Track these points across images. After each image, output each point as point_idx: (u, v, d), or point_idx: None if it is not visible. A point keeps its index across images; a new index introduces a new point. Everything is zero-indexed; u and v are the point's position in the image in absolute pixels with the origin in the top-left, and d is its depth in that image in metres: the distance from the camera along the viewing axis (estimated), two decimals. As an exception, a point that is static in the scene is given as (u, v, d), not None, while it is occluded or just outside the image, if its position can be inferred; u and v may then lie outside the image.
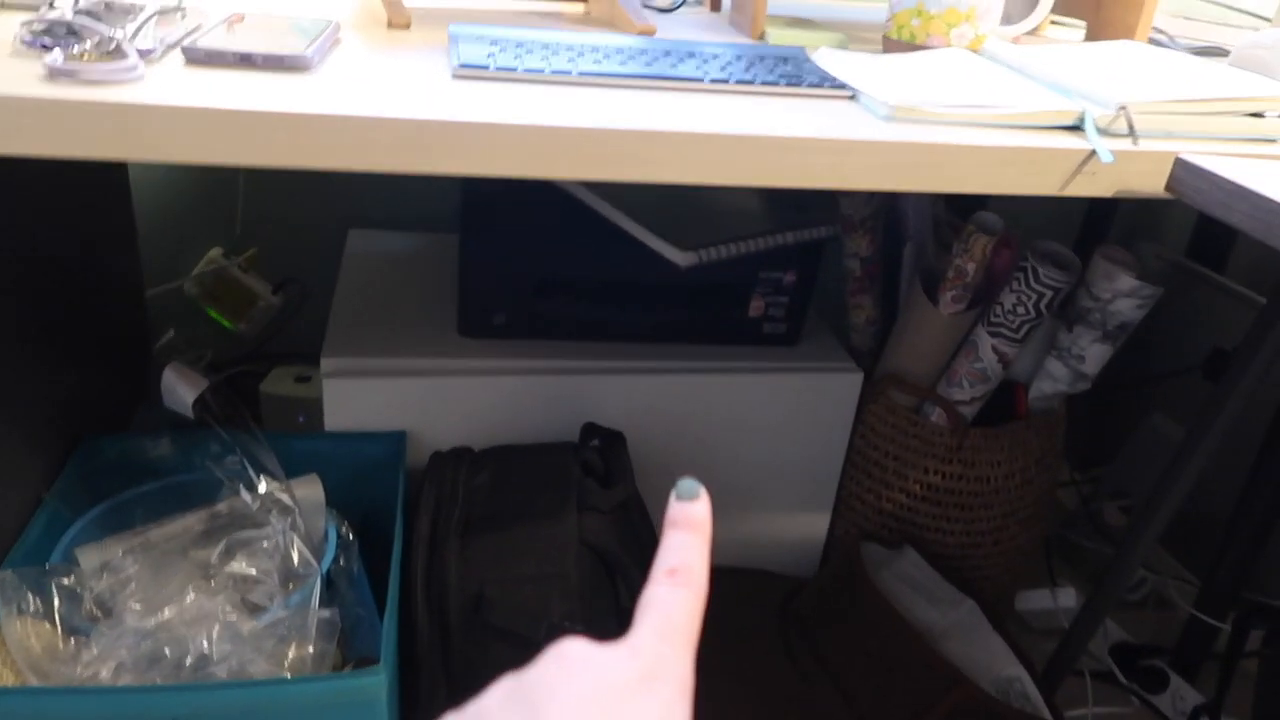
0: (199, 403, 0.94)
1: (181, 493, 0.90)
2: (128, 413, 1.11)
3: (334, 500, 0.92)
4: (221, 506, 0.86)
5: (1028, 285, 0.99)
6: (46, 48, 0.59)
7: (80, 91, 0.54)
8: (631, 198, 1.02)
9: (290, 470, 0.92)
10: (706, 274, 1.03)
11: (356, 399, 1.01)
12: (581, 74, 0.67)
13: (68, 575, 0.78)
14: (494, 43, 0.71)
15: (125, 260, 1.21)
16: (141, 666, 0.71)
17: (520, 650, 0.85)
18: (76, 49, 0.58)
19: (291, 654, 0.76)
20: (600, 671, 0.29)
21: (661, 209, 1.03)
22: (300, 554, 0.81)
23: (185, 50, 0.62)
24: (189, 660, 0.71)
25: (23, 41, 0.60)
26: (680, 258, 0.97)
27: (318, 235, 1.35)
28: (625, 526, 0.90)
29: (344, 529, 0.91)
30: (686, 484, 0.35)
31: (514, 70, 0.66)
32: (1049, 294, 0.99)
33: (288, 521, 0.83)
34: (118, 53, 0.59)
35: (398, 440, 1.00)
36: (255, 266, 1.37)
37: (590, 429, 0.98)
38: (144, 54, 0.60)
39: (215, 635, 0.71)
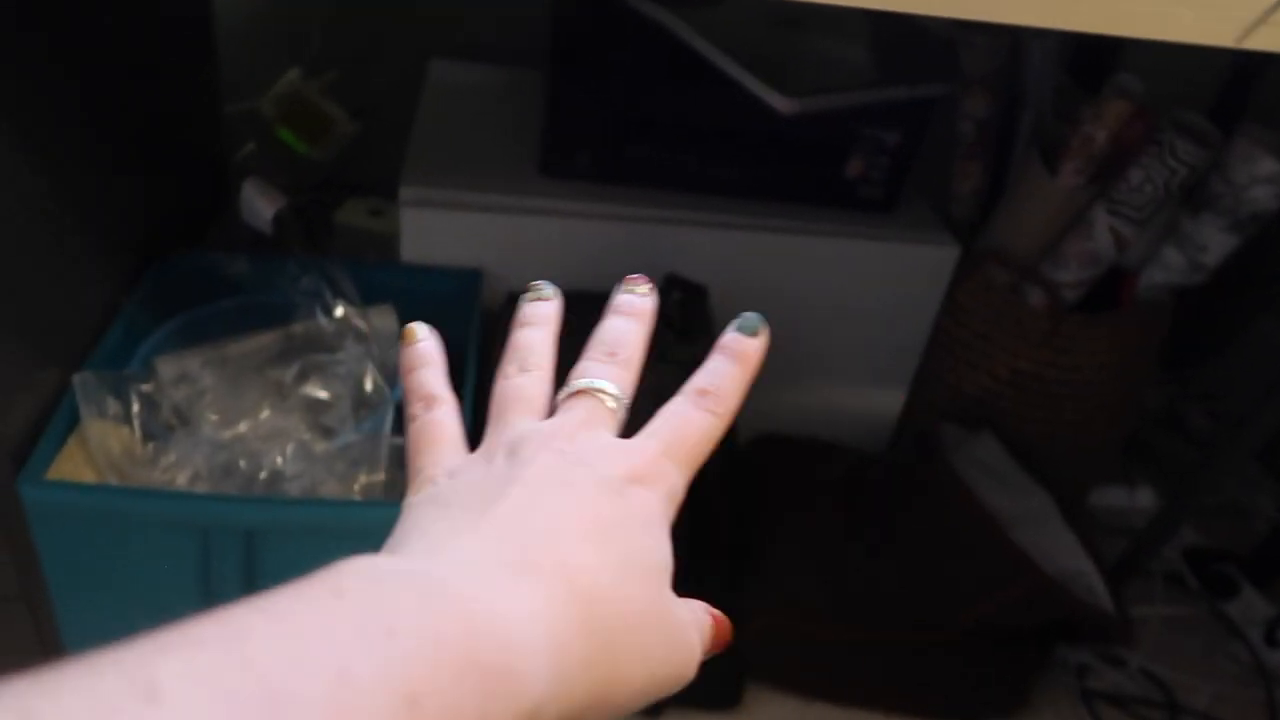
0: (277, 220, 0.92)
1: (258, 311, 0.89)
2: (205, 228, 1.10)
3: (407, 332, 0.91)
4: (297, 328, 0.85)
5: (1161, 161, 0.90)
6: None
7: None
8: (731, 35, 0.95)
9: (364, 298, 0.90)
10: (804, 127, 0.96)
11: (433, 231, 0.98)
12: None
13: (146, 382, 0.78)
14: None
15: (205, 75, 1.18)
16: (216, 476, 0.71)
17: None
18: None
19: (362, 479, 0.76)
20: (592, 460, 0.29)
21: (762, 50, 0.96)
22: (374, 381, 0.80)
23: None
24: (263, 475, 0.71)
25: None
26: (782, 103, 0.90)
27: (398, 64, 1.30)
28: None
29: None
30: (750, 318, 0.34)
31: None
32: (1183, 172, 0.90)
33: (362, 349, 0.82)
34: None
35: (473, 277, 0.98)
36: (333, 91, 1.32)
37: (672, 280, 0.94)
38: None
39: (289, 453, 0.71)
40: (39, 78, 0.70)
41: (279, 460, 0.71)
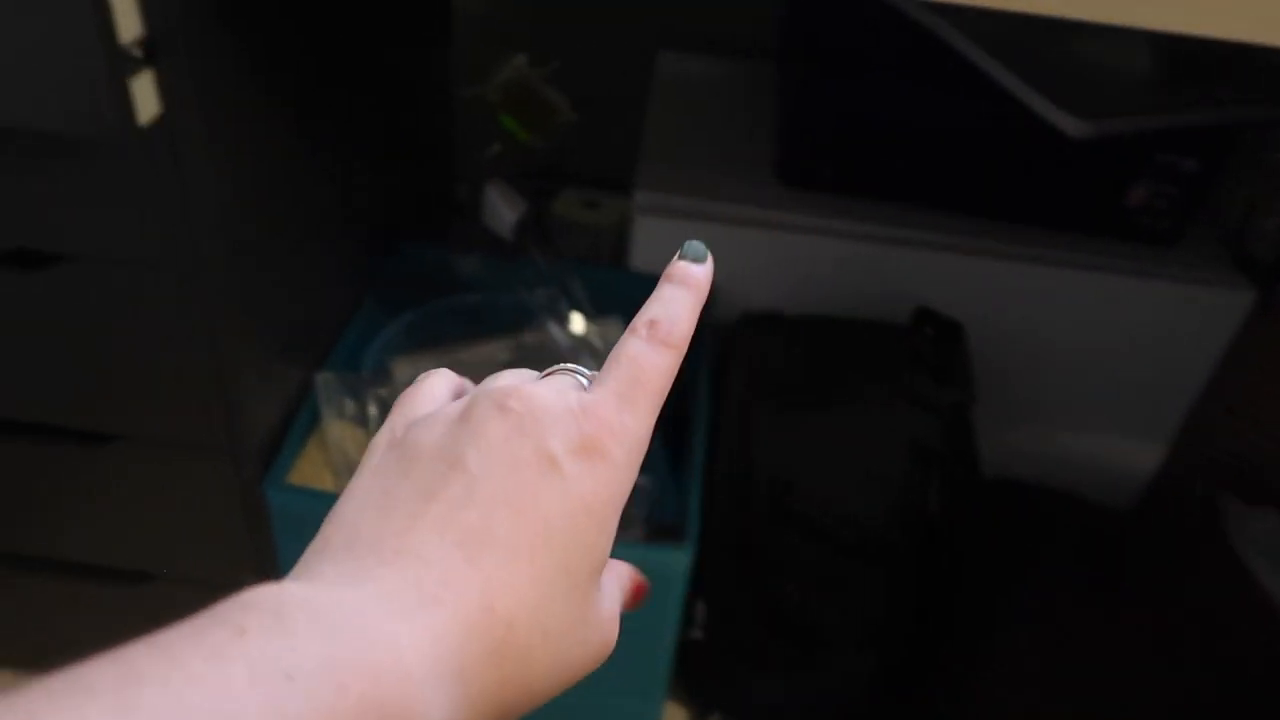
0: (520, 226, 0.89)
1: (490, 313, 0.87)
2: (434, 215, 1.09)
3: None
4: (529, 337, 0.82)
5: None
6: None
7: None
8: (1005, 39, 0.84)
9: (590, 303, 0.86)
10: (1085, 148, 0.85)
11: (666, 239, 0.93)
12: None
13: (383, 386, 0.77)
14: None
15: (440, 62, 1.17)
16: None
17: (822, 548, 0.77)
18: None
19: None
20: (543, 428, 0.27)
21: (1042, 58, 0.85)
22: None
23: None
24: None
25: None
26: (1073, 126, 0.80)
27: (624, 54, 1.26)
28: (957, 430, 0.79)
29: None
30: (694, 245, 0.33)
31: None
32: None
33: (598, 364, 0.78)
34: None
35: (704, 292, 0.92)
36: (556, 79, 1.30)
37: (924, 314, 0.86)
38: None
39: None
40: (290, 74, 0.69)
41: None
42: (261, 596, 0.23)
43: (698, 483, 0.72)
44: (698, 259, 0.32)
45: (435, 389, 0.32)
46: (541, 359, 0.82)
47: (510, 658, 0.25)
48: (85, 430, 0.68)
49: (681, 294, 0.31)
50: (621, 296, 0.91)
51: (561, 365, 0.32)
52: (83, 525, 0.75)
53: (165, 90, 0.53)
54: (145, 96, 0.52)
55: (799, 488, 0.75)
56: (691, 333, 0.31)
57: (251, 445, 0.69)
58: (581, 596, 0.27)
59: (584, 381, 0.31)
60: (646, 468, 0.76)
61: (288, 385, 0.75)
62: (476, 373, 0.83)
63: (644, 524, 0.72)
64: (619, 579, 0.31)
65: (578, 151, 1.33)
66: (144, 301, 0.61)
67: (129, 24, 0.49)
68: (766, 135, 1.05)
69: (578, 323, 0.80)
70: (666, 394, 0.30)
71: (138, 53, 0.51)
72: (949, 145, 0.91)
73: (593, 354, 0.79)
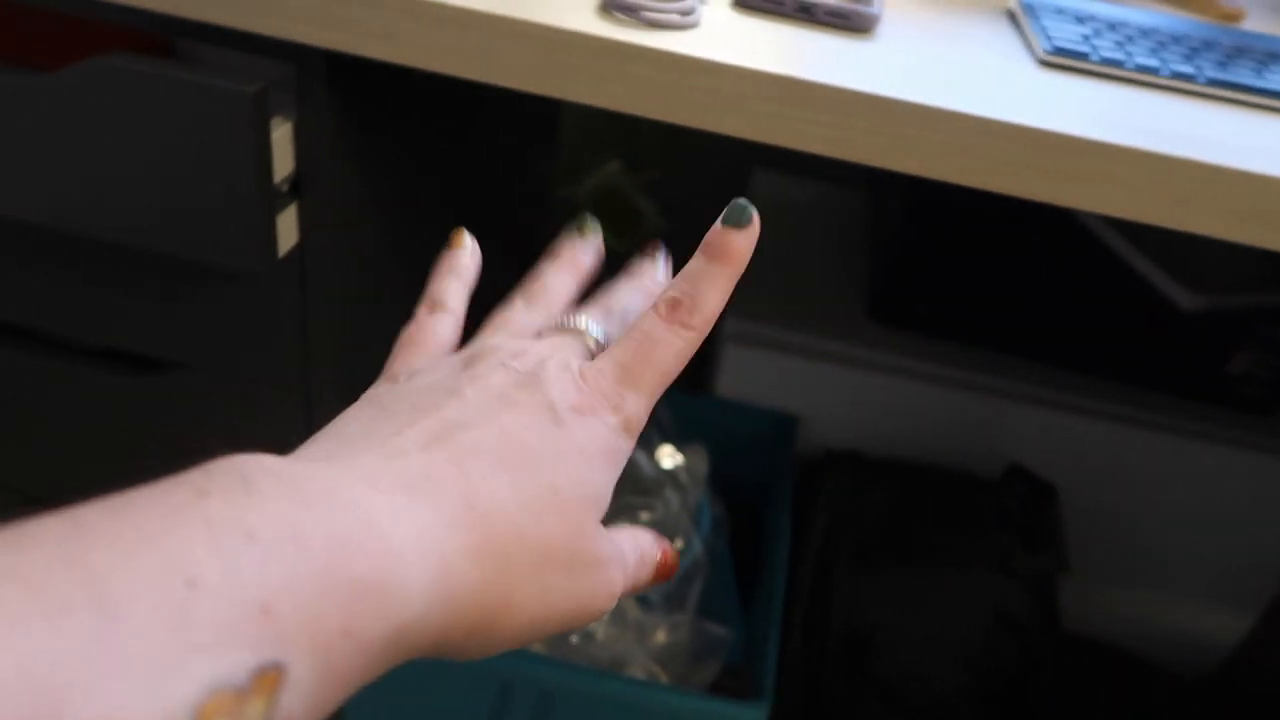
0: None
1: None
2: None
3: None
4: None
5: None
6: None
7: (636, 34, 0.46)
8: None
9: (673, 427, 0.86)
10: (1193, 317, 0.84)
11: (753, 369, 0.93)
12: (1211, 80, 0.51)
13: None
14: (1080, 20, 0.56)
15: (539, 169, 1.19)
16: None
17: (896, 709, 0.75)
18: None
19: (665, 641, 0.71)
20: (544, 383, 0.27)
21: (1156, 229, 0.85)
22: (688, 539, 0.75)
23: (736, -10, 0.53)
24: (574, 636, 0.67)
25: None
26: (1187, 299, 0.79)
27: (720, 168, 1.28)
28: (1043, 598, 0.77)
29: (719, 509, 0.85)
30: (740, 205, 0.30)
31: (1120, 64, 0.51)
32: None
33: (680, 500, 0.77)
34: (673, -11, 0.50)
35: (788, 423, 0.91)
36: (651, 188, 1.32)
37: (1015, 473, 0.84)
38: (693, -10, 0.51)
39: (606, 617, 0.67)
40: (408, 198, 0.70)
41: (595, 624, 0.67)
42: (229, 462, 0.21)
43: (775, 635, 0.71)
44: (740, 224, 0.30)
45: (440, 331, 0.32)
46: (623, 484, 0.81)
47: (489, 558, 0.24)
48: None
49: (714, 270, 0.29)
50: (705, 423, 0.91)
51: (570, 324, 0.31)
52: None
53: (303, 223, 0.55)
54: (287, 230, 0.53)
55: (876, 645, 0.73)
56: (718, 313, 0.30)
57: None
58: (573, 524, 0.26)
59: (591, 348, 0.31)
60: (722, 616, 0.75)
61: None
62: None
63: (718, 673, 0.71)
64: (637, 541, 0.30)
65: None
66: (250, 415, 0.62)
67: (283, 164, 0.51)
68: (859, 267, 1.05)
69: (666, 455, 0.79)
70: (675, 376, 0.29)
71: (285, 189, 0.53)
72: (1051, 300, 0.90)
73: (676, 487, 0.78)
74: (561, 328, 0.31)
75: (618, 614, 0.69)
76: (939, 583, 0.75)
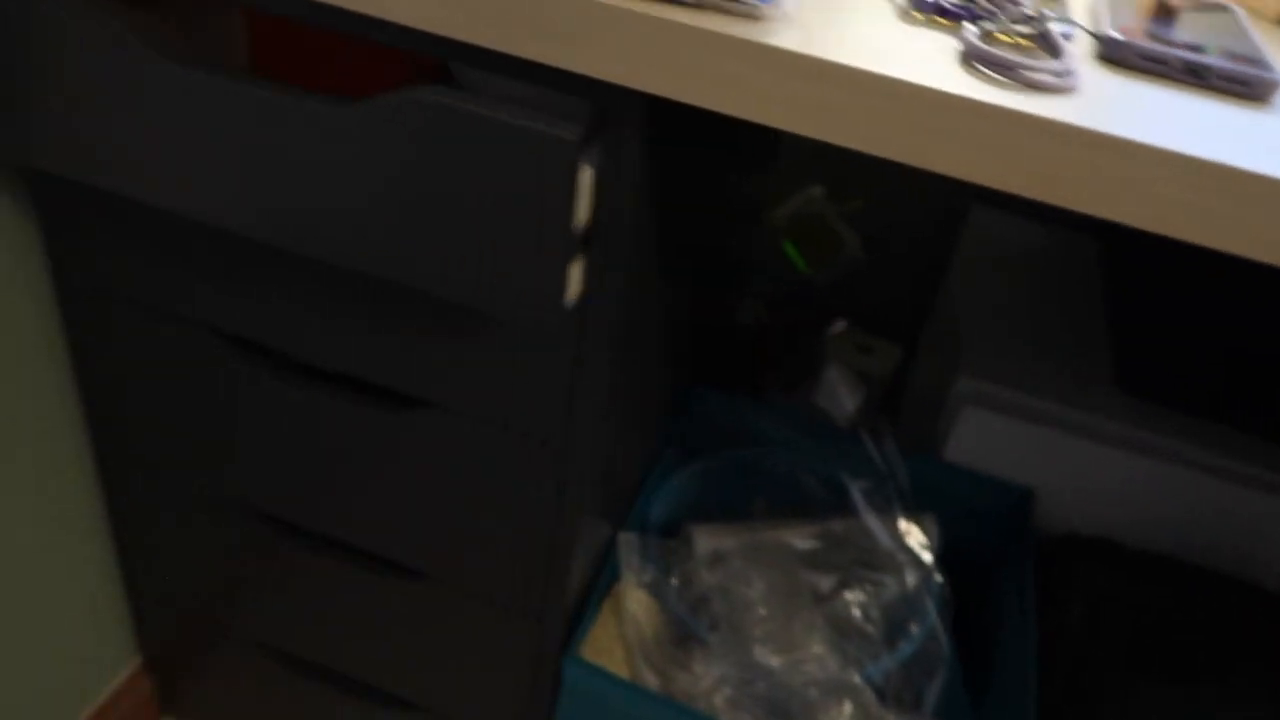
0: (858, 414, 0.84)
1: (789, 476, 0.81)
2: (726, 357, 1.06)
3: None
4: (837, 525, 0.76)
5: None
6: (949, 13, 0.46)
7: (1007, 95, 0.40)
8: None
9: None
10: None
11: (990, 434, 0.85)
12: None
13: (686, 559, 0.72)
14: None
15: (753, 193, 1.14)
16: (757, 712, 0.63)
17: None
18: (991, 25, 0.44)
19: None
20: None
21: None
22: (925, 624, 0.69)
23: (1105, 43, 0.46)
24: (807, 729, 0.62)
25: (909, -3, 0.48)
26: None
27: (934, 201, 1.20)
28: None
29: (946, 587, 0.78)
30: None
31: None
32: None
33: (917, 576, 0.71)
34: (1042, 42, 0.44)
35: (1024, 497, 0.83)
36: (853, 217, 1.25)
37: (1300, 583, 0.74)
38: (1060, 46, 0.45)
39: (847, 716, 0.61)
40: (668, 241, 0.66)
41: None
42: None
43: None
44: None
45: None
46: (848, 552, 0.75)
47: None
48: (398, 561, 0.67)
49: None
50: (932, 489, 0.84)
51: None
52: (365, 643, 0.73)
53: (590, 272, 0.51)
54: (574, 280, 0.49)
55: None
56: None
57: (559, 612, 0.65)
58: None
59: None
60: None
61: (597, 544, 0.72)
62: (776, 558, 0.76)
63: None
64: None
65: (857, 290, 1.28)
66: (500, 459, 0.59)
67: (581, 215, 0.47)
68: (1097, 324, 0.96)
69: (904, 524, 0.73)
70: None
71: (579, 240, 0.49)
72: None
73: (912, 562, 0.72)
74: None
75: (862, 710, 0.63)
76: (1224, 708, 0.66)
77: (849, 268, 1.25)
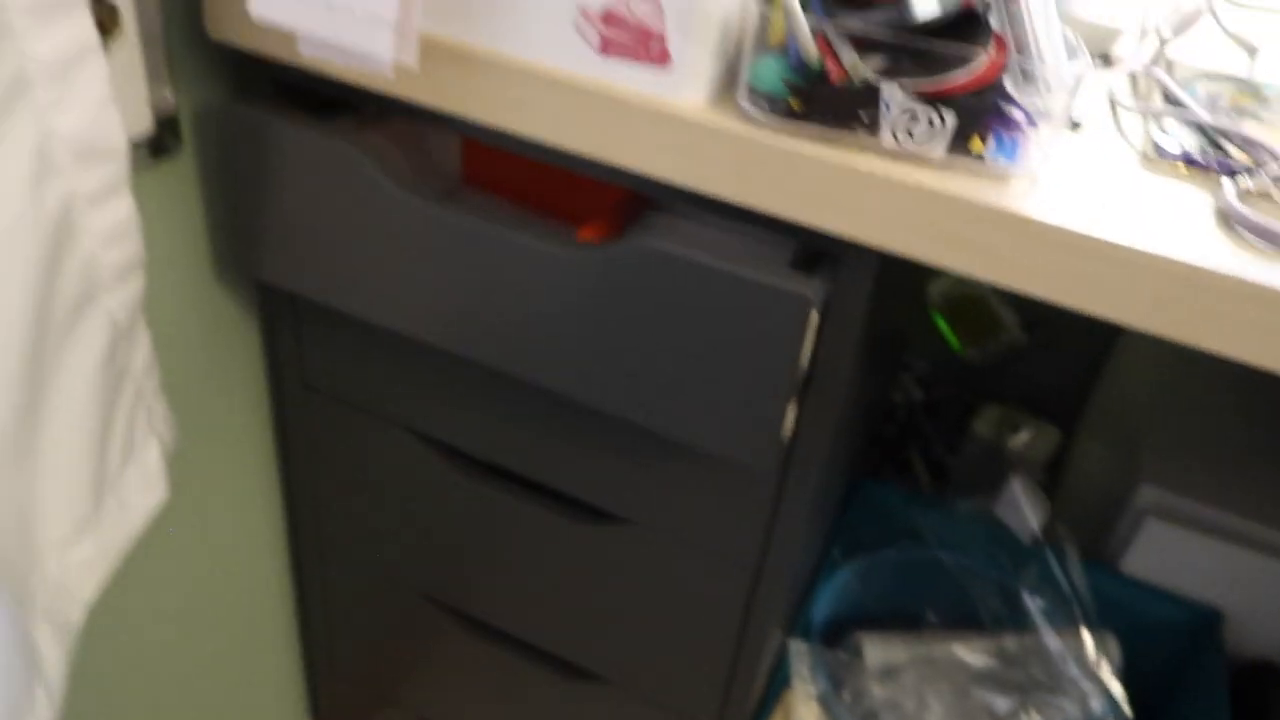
0: (1043, 532, 0.81)
1: (956, 578, 0.79)
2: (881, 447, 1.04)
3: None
4: (1011, 642, 0.74)
5: None
6: (1194, 163, 0.45)
7: (1266, 270, 0.39)
8: None
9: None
10: None
11: (1173, 549, 0.81)
12: None
13: (856, 671, 0.71)
14: None
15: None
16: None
17: None
18: (1249, 182, 0.43)
19: None
20: None
21: None
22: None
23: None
24: None
25: (1154, 143, 0.46)
26: None
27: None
28: None
29: (1126, 712, 0.74)
30: None
31: None
32: None
33: (1101, 702, 0.68)
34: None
35: (1211, 619, 0.79)
36: (1014, 299, 1.21)
37: None
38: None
39: None
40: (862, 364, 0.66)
41: None
42: None
43: None
44: None
45: None
46: (1025, 670, 0.73)
47: None
48: (577, 663, 0.68)
49: None
50: (1109, 603, 0.80)
51: None
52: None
53: (803, 415, 0.51)
54: (789, 420, 0.49)
55: None
56: None
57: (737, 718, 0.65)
58: None
59: None
60: None
61: (773, 650, 0.72)
62: (949, 674, 0.74)
63: None
64: None
65: (1010, 369, 1.24)
66: (691, 576, 0.59)
67: (804, 360, 0.47)
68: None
69: (1087, 643, 0.70)
70: None
71: (800, 383, 0.49)
72: None
73: (1092, 683, 0.69)
74: None
75: None
76: None
77: (1008, 350, 1.22)
